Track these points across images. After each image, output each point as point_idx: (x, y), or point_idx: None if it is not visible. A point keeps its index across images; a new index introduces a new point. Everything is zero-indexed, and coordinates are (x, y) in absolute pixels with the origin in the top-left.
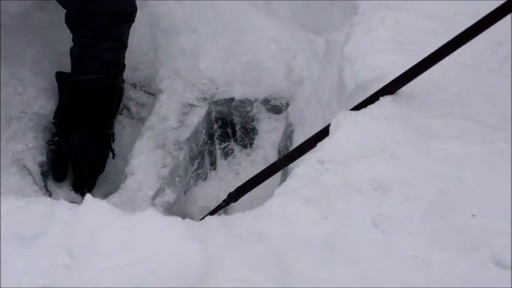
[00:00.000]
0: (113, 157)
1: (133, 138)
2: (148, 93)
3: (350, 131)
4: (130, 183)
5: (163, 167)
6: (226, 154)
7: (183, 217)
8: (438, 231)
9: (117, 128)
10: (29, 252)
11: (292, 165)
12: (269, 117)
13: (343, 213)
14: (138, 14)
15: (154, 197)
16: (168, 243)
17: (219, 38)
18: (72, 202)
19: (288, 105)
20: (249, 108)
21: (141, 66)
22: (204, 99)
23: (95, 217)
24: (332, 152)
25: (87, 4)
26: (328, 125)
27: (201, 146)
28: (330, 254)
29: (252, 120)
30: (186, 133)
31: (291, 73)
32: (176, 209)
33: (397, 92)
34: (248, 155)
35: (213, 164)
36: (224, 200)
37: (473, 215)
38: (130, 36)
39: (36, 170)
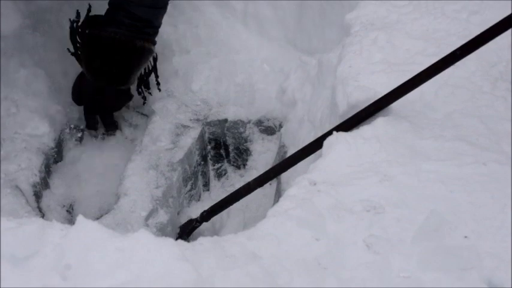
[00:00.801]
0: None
1: (127, 159)
2: (142, 114)
3: (342, 152)
4: (124, 204)
5: (157, 187)
6: (219, 175)
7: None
8: (430, 253)
9: (109, 147)
10: (21, 273)
11: (284, 186)
12: (262, 138)
13: (336, 234)
14: None
15: (147, 218)
16: (160, 264)
17: (212, 58)
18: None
19: (281, 126)
20: (242, 129)
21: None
22: (197, 120)
23: (87, 238)
24: (324, 173)
25: None
26: (298, 151)
27: (194, 167)
28: (322, 275)
29: (245, 141)
30: (179, 154)
31: (283, 94)
32: (169, 230)
33: (389, 112)
34: (241, 175)
35: (206, 185)
36: (197, 220)
37: (466, 236)
38: None
39: (29, 190)
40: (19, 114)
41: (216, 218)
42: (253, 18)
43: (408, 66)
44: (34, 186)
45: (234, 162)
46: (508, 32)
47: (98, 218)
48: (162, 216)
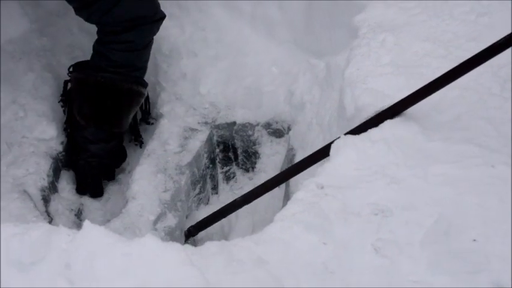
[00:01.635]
0: (140, 146)
1: (135, 162)
2: (150, 117)
3: (350, 155)
4: (132, 208)
5: (165, 191)
6: (228, 178)
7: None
8: (439, 256)
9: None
10: (27, 279)
11: (293, 188)
12: (271, 141)
13: (343, 238)
14: None
15: (155, 222)
16: (167, 269)
17: (220, 61)
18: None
19: (289, 128)
20: (250, 132)
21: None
22: (206, 123)
23: (93, 243)
24: (332, 176)
25: (104, 15)
26: (293, 165)
27: (203, 170)
28: (329, 279)
29: (254, 144)
30: (188, 157)
31: (292, 97)
32: (178, 234)
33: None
34: (250, 178)
35: (215, 188)
36: (185, 235)
37: (474, 240)
38: None
39: (37, 195)
40: (27, 118)
41: (224, 221)
42: (262, 21)
43: (416, 69)
44: (42, 190)
45: (242, 165)
46: None
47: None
48: (171, 220)
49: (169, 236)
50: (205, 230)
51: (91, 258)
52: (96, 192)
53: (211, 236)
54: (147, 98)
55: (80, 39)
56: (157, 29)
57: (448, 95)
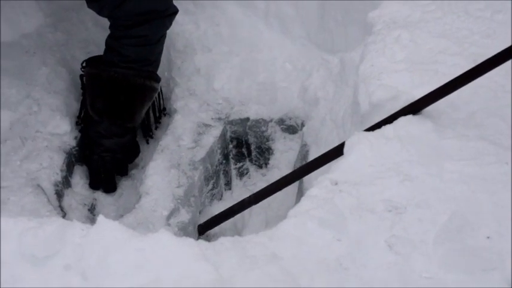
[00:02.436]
0: (147, 142)
1: (148, 158)
2: (163, 113)
3: (364, 152)
4: (145, 203)
5: (178, 187)
6: (241, 174)
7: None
8: (452, 253)
9: None
10: (41, 273)
11: (307, 185)
12: (284, 137)
13: (357, 234)
14: None
15: (169, 217)
16: (181, 265)
17: (234, 57)
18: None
19: (303, 125)
20: (264, 128)
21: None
22: (219, 119)
23: (107, 238)
24: (346, 173)
25: (115, 9)
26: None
27: (216, 166)
28: (343, 275)
29: (267, 140)
30: (201, 153)
31: (305, 93)
32: (191, 229)
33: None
34: (263, 175)
35: (228, 184)
36: (198, 230)
37: (488, 237)
38: None
39: (50, 189)
40: (40, 112)
41: (237, 217)
42: (275, 17)
43: (431, 65)
44: (56, 185)
45: (255, 161)
46: None
47: (119, 217)
48: (184, 216)
49: (183, 231)
50: (219, 225)
51: (105, 253)
52: (109, 187)
53: (224, 232)
54: (160, 92)
55: (95, 33)
56: (170, 23)
57: (462, 92)
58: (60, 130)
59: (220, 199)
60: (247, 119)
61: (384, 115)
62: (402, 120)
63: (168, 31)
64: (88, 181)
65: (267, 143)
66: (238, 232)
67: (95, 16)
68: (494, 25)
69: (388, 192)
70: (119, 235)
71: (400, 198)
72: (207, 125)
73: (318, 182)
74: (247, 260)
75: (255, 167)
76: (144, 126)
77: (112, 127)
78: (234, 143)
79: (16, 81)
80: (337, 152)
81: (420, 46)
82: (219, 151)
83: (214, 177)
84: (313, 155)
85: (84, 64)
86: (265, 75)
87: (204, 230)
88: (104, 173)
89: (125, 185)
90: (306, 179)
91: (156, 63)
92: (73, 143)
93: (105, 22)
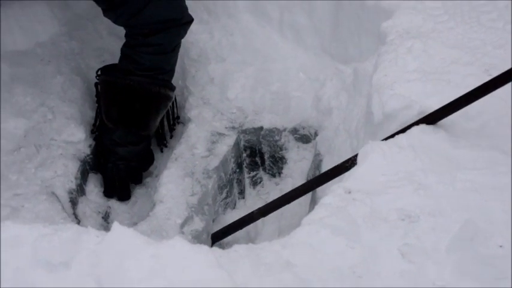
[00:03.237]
0: (161, 150)
1: (162, 166)
2: (177, 121)
3: (377, 161)
4: (159, 211)
5: (192, 195)
6: (254, 183)
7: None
8: (465, 262)
9: None
10: (56, 280)
11: (320, 194)
12: (298, 147)
13: (370, 243)
14: None
15: (182, 225)
16: (195, 271)
17: (248, 66)
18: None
19: (316, 134)
20: (277, 137)
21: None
22: (233, 128)
23: (122, 245)
24: (359, 181)
25: (132, 18)
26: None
27: (230, 175)
28: (356, 283)
29: (281, 149)
30: (215, 162)
31: (319, 102)
32: (205, 238)
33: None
34: (277, 184)
35: (241, 193)
36: (211, 238)
37: (501, 246)
38: None
39: (65, 197)
40: (55, 120)
41: (251, 226)
42: (289, 27)
43: (443, 75)
44: (70, 192)
45: (269, 170)
46: None
47: (133, 225)
48: (198, 224)
49: (196, 239)
50: (232, 235)
51: (120, 259)
52: (123, 195)
53: (237, 240)
54: (175, 101)
55: (109, 42)
56: (185, 32)
57: (475, 103)
58: (75, 138)
59: (234, 208)
60: (261, 128)
61: (397, 124)
62: (415, 129)
63: (182, 40)
64: (102, 189)
65: (280, 152)
66: (251, 241)
67: (109, 25)
68: (506, 35)
69: (401, 201)
70: (134, 242)
71: (413, 206)
72: (220, 134)
73: (332, 190)
74: (261, 268)
75: (269, 176)
76: (158, 134)
77: (127, 135)
78: (248, 152)
79: (31, 90)
80: (350, 164)
81: (433, 56)
82: (232, 160)
83: (228, 186)
84: (326, 164)
85: (99, 72)
86: (278, 84)
87: (217, 239)
88: (118, 181)
89: (139, 193)
90: (319, 188)
91: (171, 72)
92: (87, 151)
93: (120, 31)
